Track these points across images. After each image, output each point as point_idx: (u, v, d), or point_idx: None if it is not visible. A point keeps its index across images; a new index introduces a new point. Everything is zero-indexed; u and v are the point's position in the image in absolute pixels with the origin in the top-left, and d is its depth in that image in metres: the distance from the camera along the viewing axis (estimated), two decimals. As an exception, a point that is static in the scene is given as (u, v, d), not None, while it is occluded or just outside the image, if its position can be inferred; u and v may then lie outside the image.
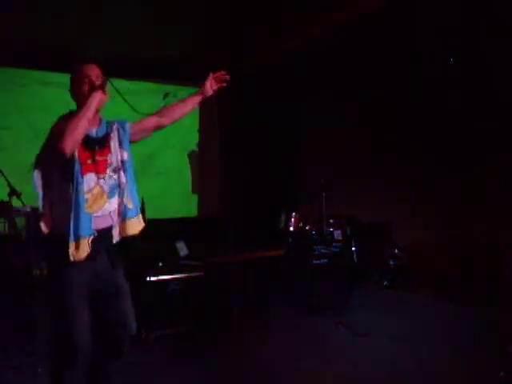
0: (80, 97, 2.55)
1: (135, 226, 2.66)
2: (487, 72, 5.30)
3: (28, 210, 4.17)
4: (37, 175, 2.54)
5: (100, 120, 2.68)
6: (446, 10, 5.10)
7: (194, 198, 7.35)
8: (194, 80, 6.78)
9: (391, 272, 5.91)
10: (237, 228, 6.55)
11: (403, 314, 4.84)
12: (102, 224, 2.54)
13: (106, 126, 2.67)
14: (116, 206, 2.61)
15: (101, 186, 2.55)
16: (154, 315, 4.31)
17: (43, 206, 2.54)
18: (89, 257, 2.47)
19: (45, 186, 2.54)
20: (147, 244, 4.73)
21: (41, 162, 2.54)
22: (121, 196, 2.63)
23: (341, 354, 3.87)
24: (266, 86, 7.13)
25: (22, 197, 4.05)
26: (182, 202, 6.92)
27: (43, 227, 2.53)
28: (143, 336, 4.19)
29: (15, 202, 3.96)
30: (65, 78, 2.71)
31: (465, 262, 5.47)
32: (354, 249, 5.62)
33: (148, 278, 4.37)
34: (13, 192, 4.04)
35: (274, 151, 7.35)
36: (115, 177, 2.63)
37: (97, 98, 2.48)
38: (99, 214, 2.53)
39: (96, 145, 2.57)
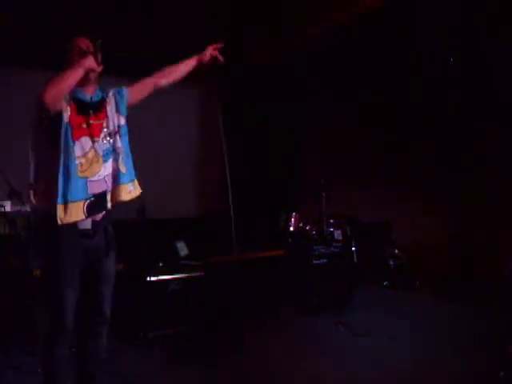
0: (71, 65, 2.56)
1: (128, 191, 2.69)
2: (487, 72, 5.31)
3: (28, 209, 4.16)
4: (29, 144, 2.60)
5: (95, 88, 2.69)
6: (446, 10, 5.11)
7: (194, 198, 7.34)
8: (194, 79, 6.83)
9: (391, 272, 5.91)
10: (237, 228, 6.54)
11: (403, 314, 4.83)
12: (98, 188, 2.56)
13: (102, 93, 2.70)
14: (110, 171, 2.63)
15: (95, 150, 2.56)
16: (154, 315, 4.31)
17: (34, 176, 2.55)
18: (85, 233, 2.51)
19: (35, 154, 2.56)
20: (147, 244, 4.74)
21: (31, 128, 2.58)
22: (115, 160, 2.66)
23: (341, 354, 3.87)
24: (266, 85, 7.13)
25: (21, 196, 4.07)
26: (182, 202, 6.91)
27: (33, 198, 2.53)
28: (141, 335, 4.19)
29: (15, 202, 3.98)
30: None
31: (465, 261, 5.47)
32: (354, 249, 5.61)
33: (148, 278, 4.37)
34: (13, 192, 4.05)
35: (274, 151, 7.35)
36: (111, 141, 2.66)
37: (86, 62, 2.49)
38: (95, 178, 2.55)
39: (90, 109, 2.59)
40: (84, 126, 2.54)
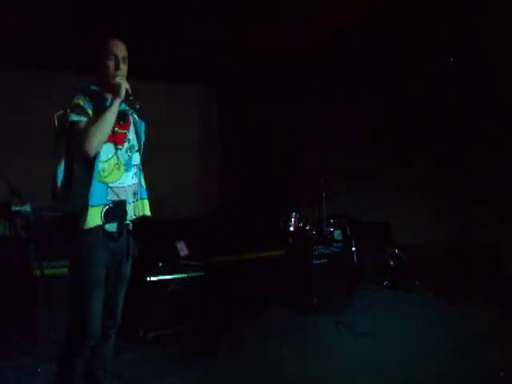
0: (102, 72, 2.60)
1: (149, 207, 2.79)
2: (487, 72, 5.30)
3: (28, 209, 4.15)
4: (58, 142, 2.59)
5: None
6: (446, 9, 5.10)
7: (194, 198, 7.34)
8: (193, 79, 6.83)
9: (391, 272, 5.91)
10: (237, 228, 6.54)
11: (403, 314, 4.83)
12: (118, 196, 2.57)
13: (125, 103, 2.67)
14: (132, 183, 2.66)
15: (118, 158, 2.59)
16: (154, 315, 4.31)
17: (61, 178, 2.55)
18: (111, 235, 2.54)
19: (62, 157, 2.57)
20: (147, 244, 4.74)
21: (63, 133, 2.56)
22: (138, 176, 2.71)
23: (341, 354, 3.87)
24: (266, 85, 7.13)
25: (22, 197, 4.07)
26: (182, 202, 6.90)
27: (59, 199, 2.55)
28: (141, 335, 4.19)
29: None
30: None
31: (464, 261, 5.47)
32: (354, 249, 5.61)
33: (148, 278, 4.37)
34: (13, 191, 4.04)
35: (274, 151, 7.35)
36: (132, 155, 2.68)
37: (117, 105, 2.53)
38: (115, 184, 2.57)
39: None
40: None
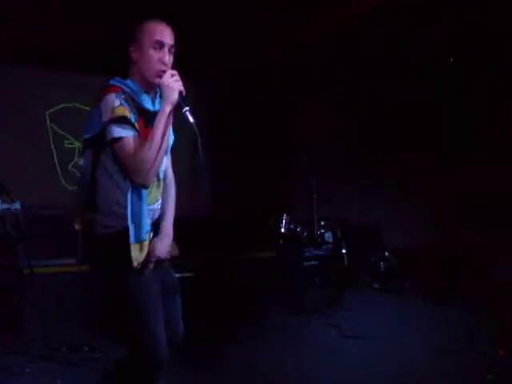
0: (144, 60, 2.10)
1: None
2: (487, 72, 5.32)
3: (18, 207, 4.12)
4: (87, 155, 2.12)
5: (155, 93, 2.19)
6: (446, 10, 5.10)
7: (185, 198, 7.32)
8: (195, 76, 6.80)
9: (382, 274, 5.93)
10: (228, 229, 6.54)
11: (393, 316, 4.85)
12: (155, 216, 2.26)
13: (160, 101, 2.15)
14: (161, 192, 2.32)
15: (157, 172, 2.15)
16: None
17: (96, 197, 2.11)
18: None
19: (97, 172, 2.10)
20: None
21: (94, 144, 2.08)
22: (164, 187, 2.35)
23: (330, 356, 3.87)
24: (264, 85, 7.13)
25: (10, 193, 4.04)
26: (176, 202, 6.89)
27: (81, 221, 2.19)
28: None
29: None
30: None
31: (453, 264, 5.51)
32: (344, 251, 5.63)
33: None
34: (2, 189, 4.01)
35: (266, 152, 7.35)
36: (164, 160, 2.24)
37: (173, 102, 2.02)
38: (155, 206, 2.25)
39: (153, 121, 2.06)
40: None
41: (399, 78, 5.99)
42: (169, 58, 2.11)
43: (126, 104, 2.01)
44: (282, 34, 6.11)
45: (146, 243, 2.11)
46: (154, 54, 2.08)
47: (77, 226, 2.24)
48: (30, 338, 3.91)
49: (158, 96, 2.19)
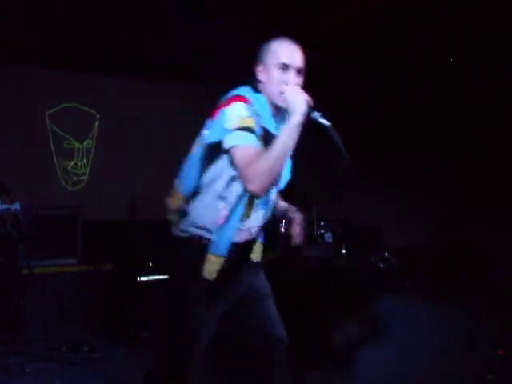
0: (269, 82, 2.03)
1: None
2: (488, 73, 5.32)
3: (17, 207, 4.14)
4: (197, 152, 2.09)
5: (283, 113, 2.07)
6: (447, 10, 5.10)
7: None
8: (188, 80, 6.80)
9: (381, 275, 5.93)
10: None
11: (392, 316, 4.84)
12: (243, 238, 2.14)
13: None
14: (259, 224, 2.20)
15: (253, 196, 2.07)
16: (144, 315, 4.29)
17: (187, 191, 2.09)
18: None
19: (204, 177, 2.06)
20: (138, 244, 4.73)
21: (211, 148, 2.02)
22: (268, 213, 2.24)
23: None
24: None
25: (10, 194, 4.05)
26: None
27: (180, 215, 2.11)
28: (132, 335, 4.18)
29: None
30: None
31: (454, 264, 5.51)
32: (344, 251, 5.63)
33: (138, 278, 4.36)
34: (2, 189, 4.02)
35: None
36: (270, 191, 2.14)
37: (301, 112, 1.89)
38: (250, 228, 2.15)
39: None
40: None
41: (399, 78, 5.99)
42: (296, 81, 2.03)
43: (253, 116, 1.94)
44: (294, 31, 6.10)
45: (220, 260, 2.03)
46: (279, 76, 2.01)
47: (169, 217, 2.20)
48: (30, 337, 3.92)
49: (281, 117, 2.09)
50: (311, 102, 1.93)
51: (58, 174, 5.99)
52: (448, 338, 4.08)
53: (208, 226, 2.04)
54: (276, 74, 2.01)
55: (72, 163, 6.06)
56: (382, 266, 5.94)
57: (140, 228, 5.10)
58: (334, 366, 3.66)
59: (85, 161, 6.12)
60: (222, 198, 2.02)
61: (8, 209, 4.09)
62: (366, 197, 6.42)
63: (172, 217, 2.16)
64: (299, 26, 5.88)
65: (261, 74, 2.06)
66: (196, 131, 2.18)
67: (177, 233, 2.13)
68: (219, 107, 2.01)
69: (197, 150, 2.10)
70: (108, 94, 6.13)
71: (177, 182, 2.19)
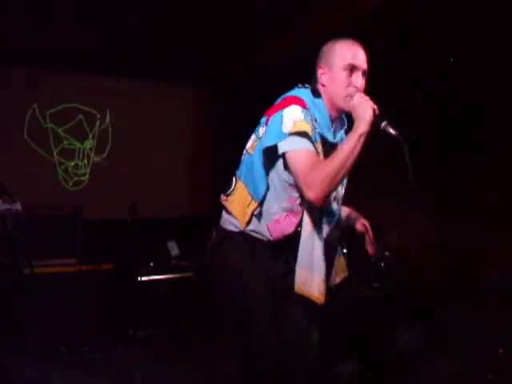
0: (334, 84, 1.97)
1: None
2: (490, 73, 5.30)
3: (18, 207, 4.15)
4: (258, 155, 2.00)
5: (342, 119, 2.08)
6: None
7: (186, 198, 7.33)
8: (189, 79, 6.81)
9: (382, 274, 5.92)
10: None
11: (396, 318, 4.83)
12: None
13: (344, 133, 2.06)
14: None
15: (321, 214, 2.02)
16: (144, 314, 4.30)
17: (258, 194, 1.97)
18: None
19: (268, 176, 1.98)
20: (138, 243, 4.74)
21: (268, 150, 1.94)
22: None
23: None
24: (265, 85, 7.10)
25: (11, 194, 4.06)
26: (173, 202, 6.89)
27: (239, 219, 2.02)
28: (131, 334, 4.18)
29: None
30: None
31: (454, 264, 5.50)
32: (345, 251, 5.62)
33: (139, 278, 4.36)
34: (3, 190, 4.03)
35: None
36: (334, 207, 2.12)
37: (368, 122, 1.82)
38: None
39: (330, 153, 1.92)
40: None
41: (410, 76, 5.97)
42: (362, 83, 1.98)
43: (309, 122, 1.88)
44: (283, 35, 6.11)
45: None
46: (346, 78, 1.95)
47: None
48: (29, 337, 3.92)
49: (341, 129, 2.09)
50: (378, 111, 1.86)
51: (58, 174, 6.00)
52: (447, 337, 4.08)
53: (284, 232, 2.00)
54: (342, 75, 1.95)
55: (73, 163, 6.07)
56: (382, 265, 5.93)
57: (140, 227, 5.10)
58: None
59: (85, 161, 6.14)
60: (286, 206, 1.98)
61: (9, 209, 4.10)
62: (365, 196, 6.40)
63: (238, 217, 2.05)
64: (299, 25, 5.90)
65: (324, 77, 1.99)
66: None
67: (247, 231, 2.03)
68: (276, 108, 1.97)
69: (257, 153, 2.01)
70: (108, 94, 6.14)
71: (239, 183, 2.08)
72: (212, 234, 2.18)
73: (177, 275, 4.59)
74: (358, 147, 1.79)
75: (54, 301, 4.20)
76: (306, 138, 1.84)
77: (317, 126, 1.92)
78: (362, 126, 1.80)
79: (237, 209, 2.04)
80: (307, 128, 1.85)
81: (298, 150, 1.83)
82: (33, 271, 4.04)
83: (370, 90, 2.03)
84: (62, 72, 5.82)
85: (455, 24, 5.15)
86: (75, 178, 6.06)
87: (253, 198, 1.99)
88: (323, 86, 2.00)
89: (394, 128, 1.86)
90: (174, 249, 5.03)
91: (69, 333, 4.04)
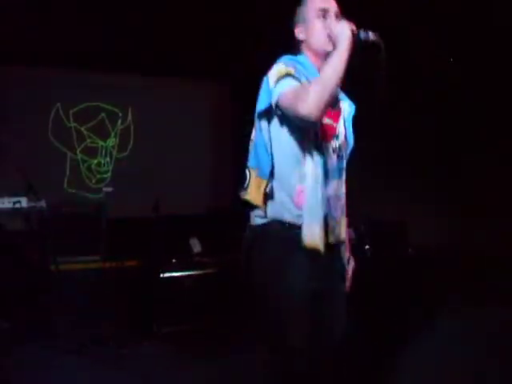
0: (312, 34, 1.99)
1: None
2: (493, 72, 5.23)
3: (43, 205, 4.20)
4: (264, 129, 2.00)
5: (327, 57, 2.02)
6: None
7: (208, 194, 7.35)
8: (206, 77, 6.82)
9: (404, 270, 5.87)
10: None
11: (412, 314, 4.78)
12: (333, 206, 2.02)
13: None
14: (336, 193, 2.05)
15: (324, 160, 1.97)
16: (168, 311, 4.33)
17: (265, 174, 1.97)
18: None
19: (271, 149, 1.98)
20: (161, 240, 4.77)
21: (265, 113, 1.98)
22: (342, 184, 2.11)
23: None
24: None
25: (37, 192, 4.12)
26: (195, 198, 6.92)
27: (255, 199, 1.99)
28: (156, 330, 4.22)
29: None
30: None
31: (478, 263, 5.43)
32: (367, 247, 5.59)
33: (162, 275, 4.39)
34: (30, 188, 4.09)
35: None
36: (340, 157, 2.07)
37: (347, 38, 1.78)
38: (331, 193, 2.01)
39: None
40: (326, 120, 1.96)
41: (418, 74, 5.92)
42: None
43: (292, 66, 1.90)
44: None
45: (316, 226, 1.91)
46: (321, 25, 1.97)
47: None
48: (57, 333, 3.98)
49: None
50: (353, 26, 1.83)
51: (82, 171, 6.07)
52: (470, 339, 4.02)
53: (293, 208, 1.94)
54: (317, 22, 1.98)
55: (95, 161, 6.13)
56: (404, 261, 5.89)
57: (163, 225, 5.13)
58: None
59: (108, 159, 6.20)
60: (297, 173, 1.94)
61: (34, 207, 4.16)
62: (390, 192, 6.36)
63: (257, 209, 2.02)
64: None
65: (301, 34, 2.03)
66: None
67: (263, 221, 2.01)
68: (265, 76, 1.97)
69: (257, 132, 2.03)
70: (130, 93, 6.18)
71: (251, 171, 2.05)
72: (245, 232, 2.11)
73: (199, 272, 4.61)
74: (342, 62, 1.76)
75: (80, 297, 4.25)
76: (291, 77, 1.86)
77: (304, 72, 1.93)
78: (343, 43, 1.79)
79: (254, 196, 2.01)
80: (290, 70, 1.88)
81: (285, 88, 1.84)
82: (59, 268, 4.10)
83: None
84: (85, 72, 5.88)
85: (455, 24, 5.08)
86: (98, 176, 6.12)
87: (262, 178, 1.98)
88: (303, 41, 2.04)
89: (372, 32, 1.85)
90: (196, 246, 5.06)
91: (95, 329, 4.08)
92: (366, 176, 6.61)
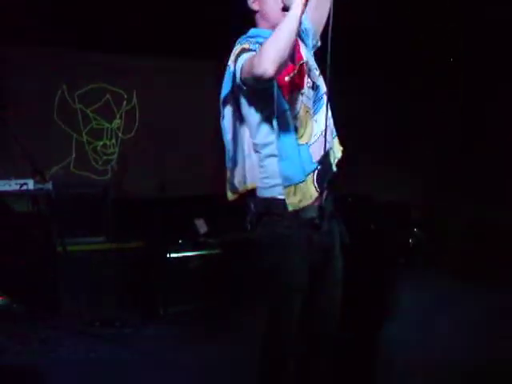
0: (265, 3, 1.97)
1: (339, 145, 2.15)
2: (496, 70, 5.17)
3: (50, 187, 4.24)
4: (227, 115, 2.07)
5: None
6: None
7: (214, 175, 7.35)
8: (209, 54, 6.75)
9: (409, 250, 5.89)
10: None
11: (414, 291, 4.80)
12: (320, 151, 1.97)
13: None
14: (324, 122, 1.98)
15: (305, 104, 1.98)
16: (174, 292, 4.38)
17: (233, 158, 2.09)
18: (314, 224, 1.94)
19: (237, 130, 2.07)
20: (166, 221, 4.80)
21: (229, 98, 2.01)
22: (326, 105, 2.01)
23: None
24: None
25: (44, 174, 4.16)
26: (200, 179, 6.93)
27: (234, 188, 2.15)
28: (162, 311, 4.27)
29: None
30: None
31: (483, 240, 5.44)
32: (373, 226, 5.61)
33: (168, 255, 4.43)
34: (36, 171, 4.13)
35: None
36: (317, 86, 2.04)
37: (297, 14, 1.74)
38: (312, 140, 1.98)
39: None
40: (287, 78, 1.91)
41: (424, 66, 5.84)
42: None
43: (246, 41, 1.92)
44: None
45: (303, 185, 1.92)
46: None
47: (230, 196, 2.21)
48: (64, 313, 4.05)
49: None
50: None
51: (88, 153, 6.09)
52: (475, 314, 4.05)
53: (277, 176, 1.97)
54: None
55: (101, 143, 6.15)
56: (411, 241, 5.91)
57: (169, 205, 5.16)
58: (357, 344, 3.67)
59: (114, 140, 6.21)
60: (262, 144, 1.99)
61: (41, 188, 4.20)
62: (392, 172, 6.34)
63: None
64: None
65: (255, 5, 2.01)
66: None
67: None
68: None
69: (222, 125, 2.10)
70: (135, 74, 6.16)
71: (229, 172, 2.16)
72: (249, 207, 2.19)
73: (205, 252, 4.66)
74: (296, 22, 1.73)
75: (86, 278, 4.31)
76: (246, 51, 1.86)
77: (260, 41, 1.88)
78: (296, 7, 1.74)
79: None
80: (244, 46, 1.89)
81: (242, 62, 1.84)
82: (66, 249, 4.16)
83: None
84: (89, 53, 5.85)
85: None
86: (104, 157, 6.15)
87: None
88: (257, 12, 2.01)
89: None
90: (202, 226, 5.09)
91: (101, 309, 4.15)
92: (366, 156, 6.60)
